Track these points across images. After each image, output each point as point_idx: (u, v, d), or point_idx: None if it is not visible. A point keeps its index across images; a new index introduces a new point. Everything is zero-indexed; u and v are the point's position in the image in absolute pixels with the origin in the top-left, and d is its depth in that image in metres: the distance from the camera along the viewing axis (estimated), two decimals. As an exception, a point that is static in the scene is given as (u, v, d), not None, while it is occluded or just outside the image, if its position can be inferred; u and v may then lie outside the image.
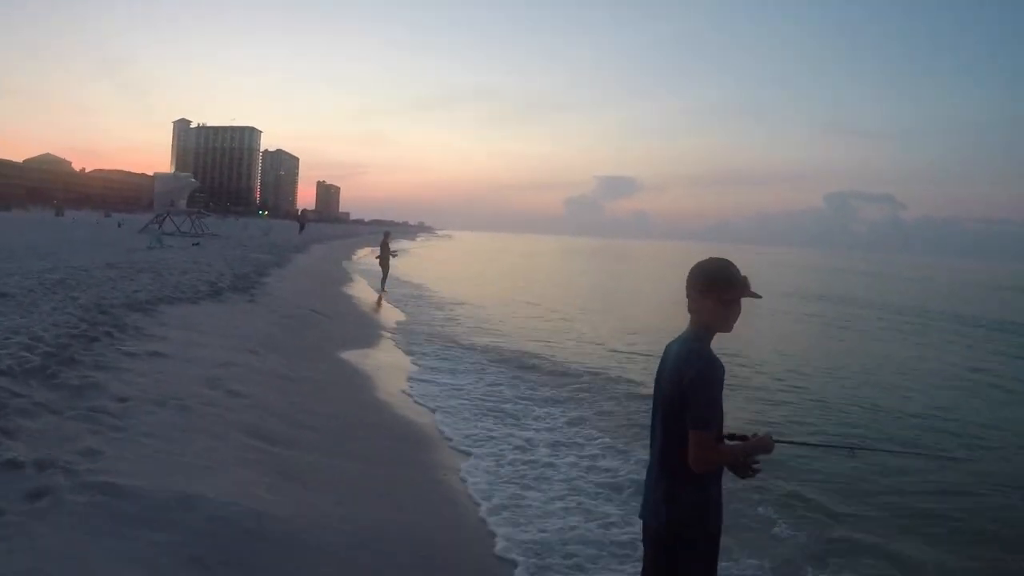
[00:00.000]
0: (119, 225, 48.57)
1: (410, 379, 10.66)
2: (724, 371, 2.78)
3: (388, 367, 11.44)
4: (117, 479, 4.71)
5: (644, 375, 11.28)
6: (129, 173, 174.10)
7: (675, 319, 3.28)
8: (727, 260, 2.95)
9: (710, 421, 2.71)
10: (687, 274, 2.91)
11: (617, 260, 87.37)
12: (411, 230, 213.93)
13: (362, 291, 23.59)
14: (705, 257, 2.97)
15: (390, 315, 18.40)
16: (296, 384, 8.49)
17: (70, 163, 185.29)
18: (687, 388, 2.72)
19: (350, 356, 11.52)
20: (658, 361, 3.00)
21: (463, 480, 6.53)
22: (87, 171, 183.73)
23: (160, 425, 5.85)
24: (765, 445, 2.90)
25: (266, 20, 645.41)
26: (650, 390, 3.06)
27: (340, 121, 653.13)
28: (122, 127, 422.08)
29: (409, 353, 12.86)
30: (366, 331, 14.76)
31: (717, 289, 2.84)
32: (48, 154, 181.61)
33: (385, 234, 26.21)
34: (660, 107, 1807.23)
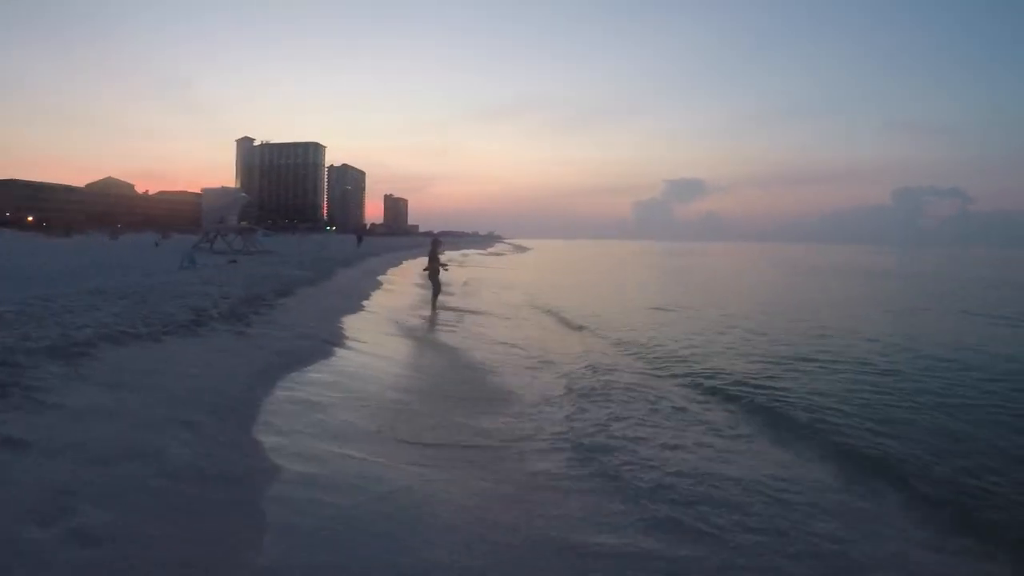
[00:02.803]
0: (156, 244, 47.08)
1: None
2: None
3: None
4: None
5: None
6: (189, 193, 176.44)
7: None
8: None
9: None
10: None
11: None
12: (481, 240, 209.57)
13: (405, 311, 20.44)
14: None
15: (447, 349, 13.69)
16: (231, 488, 4.91)
17: (132, 186, 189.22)
18: None
19: (354, 421, 7.43)
20: None
21: None
22: (151, 193, 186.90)
23: None
24: None
25: (324, 38, 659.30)
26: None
27: (404, 134, 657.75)
28: (186, 148, 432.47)
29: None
30: (401, 371, 11.47)
31: None
32: (110, 178, 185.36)
33: (432, 242, 21.93)
34: (726, 109, 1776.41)
